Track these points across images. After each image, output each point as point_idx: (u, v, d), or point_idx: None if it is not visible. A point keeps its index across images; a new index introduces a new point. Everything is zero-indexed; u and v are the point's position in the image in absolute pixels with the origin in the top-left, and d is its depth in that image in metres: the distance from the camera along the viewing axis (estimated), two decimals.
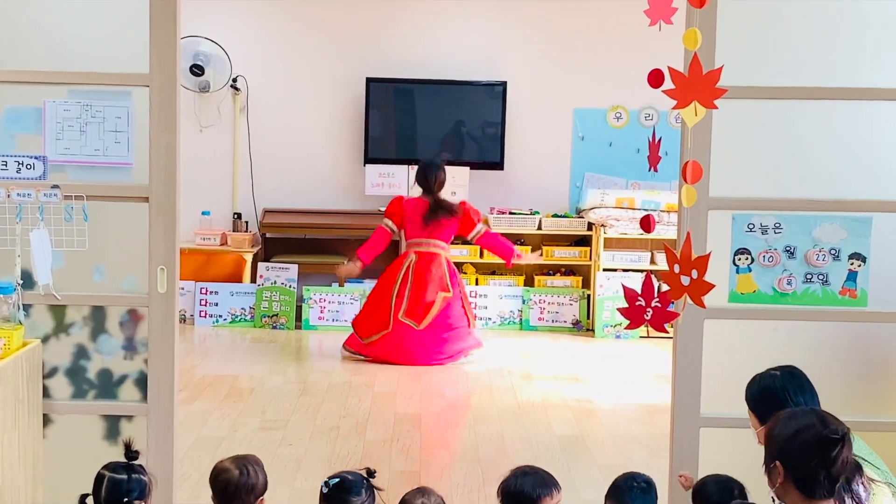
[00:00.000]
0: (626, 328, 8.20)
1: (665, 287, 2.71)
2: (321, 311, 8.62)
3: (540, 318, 8.78)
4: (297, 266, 8.72)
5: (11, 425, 3.66)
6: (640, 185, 9.03)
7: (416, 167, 8.39)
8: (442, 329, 7.52)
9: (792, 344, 3.93)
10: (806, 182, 3.92)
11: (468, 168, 8.95)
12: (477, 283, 8.82)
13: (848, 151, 3.97)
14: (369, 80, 8.96)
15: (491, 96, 9.03)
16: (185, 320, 8.55)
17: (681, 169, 2.91)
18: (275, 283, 8.66)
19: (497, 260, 8.71)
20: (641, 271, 8.44)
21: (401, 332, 7.47)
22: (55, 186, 3.88)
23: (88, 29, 4.02)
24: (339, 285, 8.20)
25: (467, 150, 9.13)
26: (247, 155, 9.12)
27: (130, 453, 3.10)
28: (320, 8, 9.10)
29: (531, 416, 6.36)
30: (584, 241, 8.95)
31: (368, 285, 8.63)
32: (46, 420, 4.01)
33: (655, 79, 2.59)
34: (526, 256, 8.14)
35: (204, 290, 8.64)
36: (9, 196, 3.86)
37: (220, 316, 8.64)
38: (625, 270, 8.58)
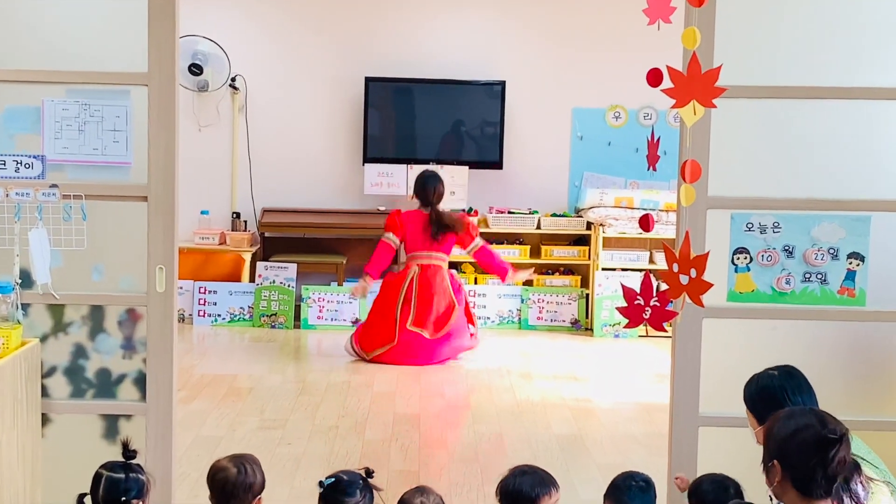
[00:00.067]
0: (624, 327, 8.24)
1: (664, 286, 2.71)
2: (320, 311, 8.62)
3: (539, 318, 8.78)
4: (295, 265, 8.72)
5: (10, 425, 3.66)
6: (638, 184, 9.03)
7: (414, 167, 8.41)
8: (446, 337, 7.55)
9: (790, 343, 3.93)
10: (804, 181, 3.92)
11: (467, 167, 8.95)
12: (476, 283, 8.82)
13: (847, 151, 3.97)
14: (368, 80, 8.96)
15: (490, 96, 9.03)
16: (183, 320, 8.55)
17: (679, 168, 2.91)
18: (273, 282, 8.66)
19: None
20: (640, 270, 8.43)
21: (408, 340, 7.46)
22: (54, 186, 3.88)
23: (87, 28, 4.02)
24: (363, 297, 8.00)
25: (466, 150, 9.13)
26: (245, 154, 9.12)
27: (128, 452, 3.09)
28: (319, 7, 9.10)
29: (530, 415, 6.36)
30: (582, 240, 8.96)
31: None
32: (45, 419, 4.01)
33: (654, 78, 2.59)
34: (518, 274, 7.94)
35: (203, 290, 8.63)
36: (7, 195, 3.86)
37: (219, 315, 8.64)
38: (623, 270, 8.58)
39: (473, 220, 8.82)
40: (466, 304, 7.80)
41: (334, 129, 9.16)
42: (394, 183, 8.91)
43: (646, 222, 2.87)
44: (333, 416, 6.19)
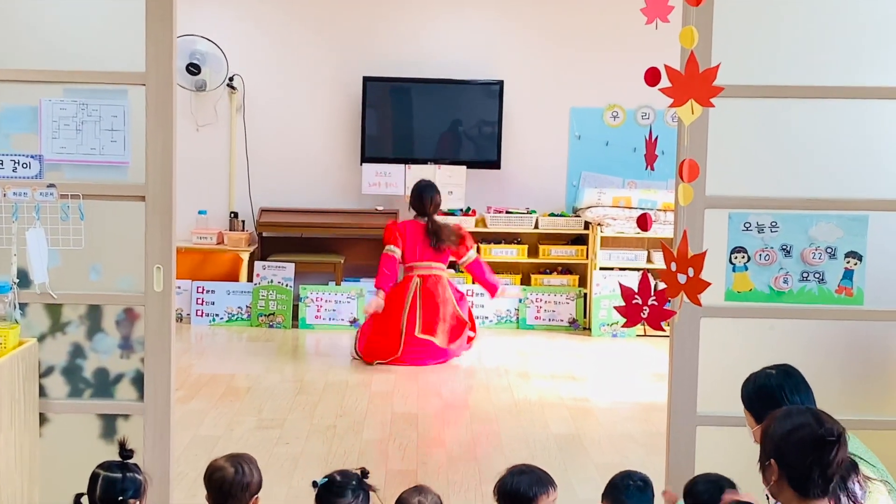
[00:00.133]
0: (622, 326, 8.21)
1: (662, 285, 2.71)
2: (318, 310, 8.62)
3: (537, 317, 8.78)
4: (293, 265, 8.72)
5: (8, 424, 3.66)
6: (636, 183, 9.03)
7: (412, 167, 8.40)
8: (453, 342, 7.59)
9: (788, 342, 3.93)
10: (802, 181, 3.92)
11: (465, 167, 8.94)
12: (474, 282, 8.80)
13: (844, 150, 3.97)
14: (366, 79, 8.95)
15: (488, 95, 9.03)
16: (181, 319, 8.55)
17: (677, 167, 2.91)
18: (271, 281, 8.65)
19: (495, 259, 8.76)
20: (638, 270, 8.43)
21: (414, 346, 7.45)
22: (51, 185, 3.87)
23: (84, 27, 4.02)
24: (378, 311, 7.85)
25: (464, 150, 9.13)
26: (243, 154, 9.11)
27: (125, 452, 3.09)
28: (317, 7, 9.10)
29: (528, 414, 6.36)
30: (580, 239, 8.96)
31: (365, 283, 8.65)
32: (43, 419, 4.01)
33: (652, 77, 2.58)
34: (508, 291, 8.19)
35: (200, 289, 8.63)
36: (5, 195, 3.86)
37: (217, 315, 8.63)
38: (621, 269, 8.58)
39: (472, 220, 8.85)
40: (469, 311, 7.82)
41: (332, 128, 9.16)
42: (391, 183, 8.90)
43: (643, 222, 2.87)
44: (331, 415, 6.19)
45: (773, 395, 3.14)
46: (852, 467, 2.79)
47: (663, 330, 2.98)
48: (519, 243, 8.94)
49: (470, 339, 7.76)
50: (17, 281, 3.87)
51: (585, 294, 8.77)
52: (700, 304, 2.70)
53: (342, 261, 8.90)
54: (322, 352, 7.99)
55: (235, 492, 3.09)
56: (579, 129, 9.21)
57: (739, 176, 3.89)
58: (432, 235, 7.54)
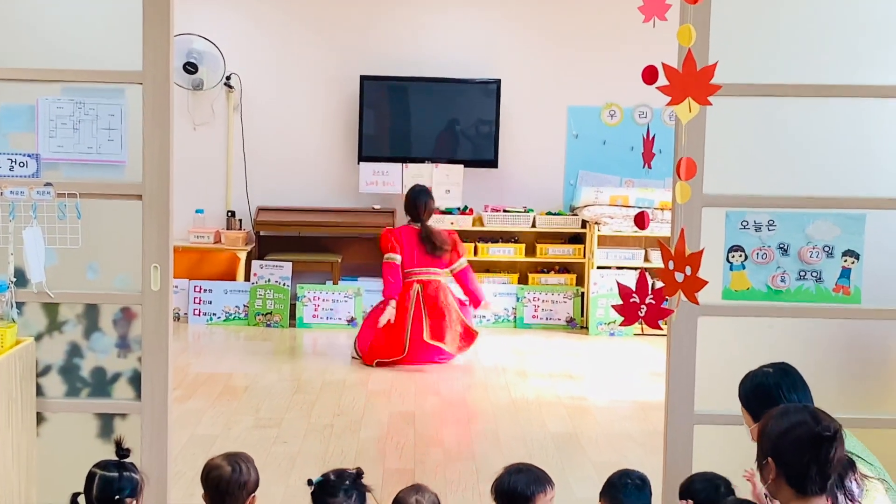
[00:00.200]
0: (620, 325, 8.26)
1: (659, 284, 2.71)
2: (315, 309, 8.61)
3: (534, 316, 8.78)
4: (290, 264, 8.71)
5: (5, 424, 3.66)
6: (633, 182, 9.03)
7: (409, 165, 8.39)
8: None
9: (786, 341, 3.93)
10: (799, 179, 3.92)
11: (462, 166, 8.94)
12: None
13: (841, 148, 3.97)
14: (363, 78, 8.95)
15: (485, 94, 9.03)
16: (178, 318, 8.54)
17: (675, 166, 2.91)
18: (269, 281, 8.65)
19: (493, 258, 8.76)
20: (635, 268, 8.42)
21: (421, 351, 7.45)
22: (48, 184, 3.87)
23: (82, 26, 4.02)
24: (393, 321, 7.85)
25: (461, 148, 9.12)
26: (240, 153, 9.11)
27: (121, 451, 3.09)
28: (314, 6, 9.09)
29: (525, 413, 6.36)
30: (578, 238, 8.95)
31: (363, 283, 8.65)
32: (40, 418, 4.01)
33: (649, 75, 2.58)
34: (494, 307, 8.43)
35: (198, 289, 8.63)
36: (1, 194, 3.86)
37: (214, 314, 8.63)
38: (619, 268, 8.58)
39: (469, 218, 8.84)
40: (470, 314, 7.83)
41: (329, 127, 9.16)
42: (389, 181, 8.90)
43: (641, 220, 2.86)
44: (329, 414, 6.19)
45: (771, 393, 3.14)
46: (850, 465, 2.79)
47: (661, 328, 2.99)
48: (516, 242, 8.94)
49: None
50: (14, 280, 3.87)
51: (583, 293, 8.77)
52: (697, 303, 2.70)
53: (339, 260, 8.89)
54: (319, 351, 7.99)
55: (232, 490, 3.09)
56: (577, 127, 9.21)
57: (737, 174, 3.89)
58: (426, 241, 7.53)
